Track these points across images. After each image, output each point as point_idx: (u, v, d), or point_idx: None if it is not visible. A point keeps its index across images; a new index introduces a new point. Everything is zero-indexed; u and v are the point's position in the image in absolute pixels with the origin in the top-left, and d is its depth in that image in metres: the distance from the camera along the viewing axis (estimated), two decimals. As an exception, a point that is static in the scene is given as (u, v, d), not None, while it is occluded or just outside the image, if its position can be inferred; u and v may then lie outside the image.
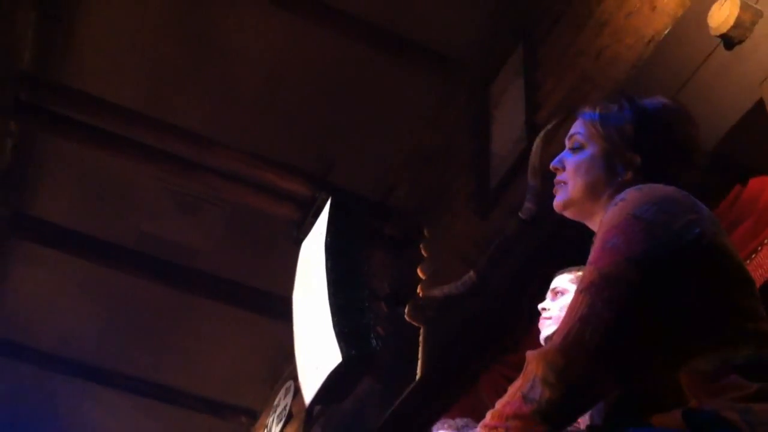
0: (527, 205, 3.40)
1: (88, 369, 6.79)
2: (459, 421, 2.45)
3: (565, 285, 2.01)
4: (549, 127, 3.41)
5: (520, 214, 3.40)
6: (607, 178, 1.28)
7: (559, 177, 1.35)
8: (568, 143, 1.37)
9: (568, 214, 1.36)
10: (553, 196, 1.38)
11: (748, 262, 2.42)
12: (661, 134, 1.28)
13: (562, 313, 1.87)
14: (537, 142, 3.41)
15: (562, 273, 2.06)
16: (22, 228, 5.76)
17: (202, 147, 5.19)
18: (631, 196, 1.19)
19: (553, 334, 1.46)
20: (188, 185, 5.62)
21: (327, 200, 5.23)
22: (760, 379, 1.06)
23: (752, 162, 2.51)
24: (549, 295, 2.03)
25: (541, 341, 1.92)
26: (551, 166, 1.37)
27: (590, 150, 1.32)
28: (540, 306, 2.02)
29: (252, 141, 5.23)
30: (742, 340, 1.11)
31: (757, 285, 2.32)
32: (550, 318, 1.97)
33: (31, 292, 6.30)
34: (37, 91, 4.99)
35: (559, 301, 1.98)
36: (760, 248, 2.41)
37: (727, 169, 2.56)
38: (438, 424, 2.45)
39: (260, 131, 5.27)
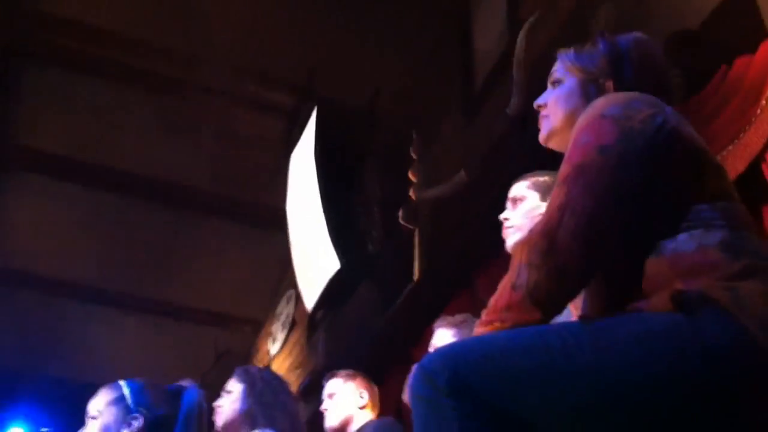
0: (514, 100, 3.38)
1: (91, 291, 6.89)
2: (458, 318, 2.48)
3: (523, 191, 1.99)
4: (532, 19, 3.36)
5: (507, 110, 3.39)
6: (585, 104, 1.34)
7: (543, 113, 1.43)
8: (549, 83, 1.45)
9: (552, 145, 1.42)
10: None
11: (736, 141, 2.43)
12: (632, 62, 1.36)
13: (524, 220, 1.89)
14: (521, 35, 3.37)
15: (519, 180, 2.04)
16: (12, 158, 5.73)
17: (184, 64, 5.11)
18: (597, 102, 1.27)
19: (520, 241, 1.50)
20: (175, 104, 5.56)
21: (313, 110, 5.19)
22: (741, 256, 1.09)
23: (738, 42, 2.48)
24: (508, 204, 2.01)
25: (508, 251, 1.92)
26: (535, 105, 1.45)
27: (568, 83, 1.40)
28: (501, 216, 2.01)
29: (234, 55, 5.14)
30: (716, 221, 1.14)
31: (746, 164, 2.36)
32: (512, 227, 1.96)
33: (28, 221, 6.31)
34: (18, 19, 4.87)
35: (519, 209, 1.96)
36: (747, 127, 2.41)
37: (712, 51, 2.53)
38: (438, 322, 2.49)
39: (241, 45, 5.18)
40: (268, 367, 3.53)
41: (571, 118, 1.36)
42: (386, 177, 5.04)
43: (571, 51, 1.42)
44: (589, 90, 1.36)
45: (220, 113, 5.54)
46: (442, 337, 2.38)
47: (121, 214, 6.22)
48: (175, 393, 2.11)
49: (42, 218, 6.28)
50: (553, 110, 1.41)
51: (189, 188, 6.02)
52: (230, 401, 2.80)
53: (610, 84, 1.34)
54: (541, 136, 1.43)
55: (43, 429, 7.52)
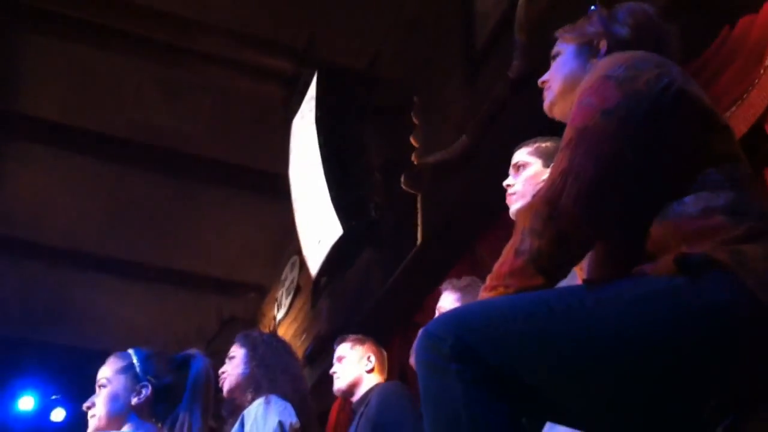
0: (515, 62, 3.36)
1: (95, 260, 6.92)
2: (463, 281, 2.50)
3: (525, 158, 1.98)
4: (534, -20, 3.32)
5: (509, 72, 3.37)
6: (581, 65, 1.37)
7: (546, 86, 1.45)
8: (551, 62, 1.46)
9: (556, 113, 1.43)
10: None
11: (739, 102, 2.42)
12: (625, 22, 1.36)
13: (527, 187, 1.89)
14: (522, -3, 3.34)
15: (522, 146, 2.03)
16: (12, 127, 5.72)
17: (183, 30, 5.07)
18: (601, 62, 1.27)
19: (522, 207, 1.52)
20: (174, 71, 5.53)
21: (313, 75, 5.16)
22: (746, 219, 1.09)
23: (740, 2, 2.45)
24: (511, 171, 2.00)
25: (512, 217, 1.92)
26: (539, 83, 1.47)
27: (565, 52, 1.42)
28: (504, 183, 2.00)
29: (232, 20, 5.10)
30: (722, 184, 1.14)
31: (749, 124, 2.35)
32: (515, 193, 1.95)
33: (29, 190, 6.32)
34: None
35: (522, 175, 1.96)
36: (750, 88, 2.40)
37: (715, 11, 2.51)
38: (444, 285, 2.51)
39: (240, 9, 5.13)
40: (269, 331, 3.56)
41: (568, 82, 1.38)
42: (387, 142, 5.02)
43: (566, 26, 1.45)
44: (584, 53, 1.38)
45: (220, 79, 5.52)
46: (448, 299, 2.41)
47: (123, 182, 6.23)
48: (183, 362, 2.14)
49: (44, 187, 6.29)
50: (553, 79, 1.42)
51: (190, 155, 6.02)
52: (233, 366, 2.84)
53: (603, 43, 1.35)
54: (546, 107, 1.44)
55: (52, 397, 7.62)
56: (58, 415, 7.90)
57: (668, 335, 1.02)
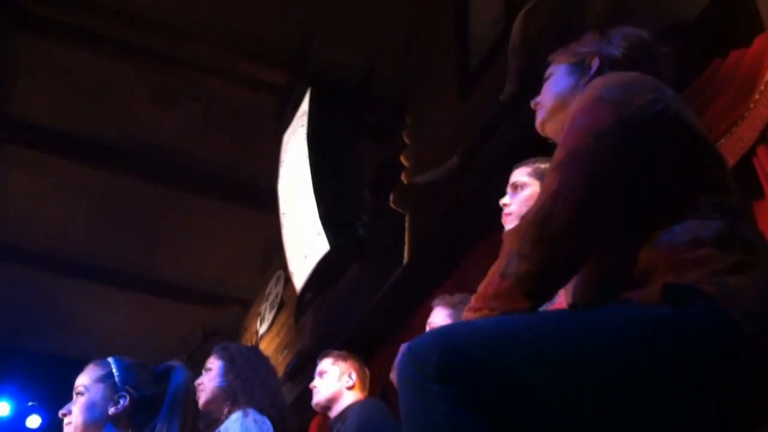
0: (508, 87, 3.38)
1: (81, 267, 6.87)
2: (456, 297, 2.48)
3: (524, 178, 1.98)
4: (529, 5, 3.35)
5: (500, 98, 3.39)
6: (573, 84, 1.37)
7: (539, 106, 1.45)
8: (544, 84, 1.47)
9: (548, 131, 1.43)
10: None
11: (728, 135, 2.43)
12: (618, 43, 1.36)
13: (523, 208, 1.89)
14: (517, 20, 3.36)
15: (521, 166, 2.02)
16: (1, 131, 5.69)
17: (177, 39, 5.08)
18: (596, 82, 1.26)
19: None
20: (166, 79, 5.53)
21: (306, 89, 5.17)
22: (734, 251, 1.09)
23: (732, 35, 2.48)
24: (509, 189, 2.00)
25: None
26: (532, 104, 1.47)
27: (557, 71, 1.42)
28: (501, 202, 2.00)
29: (226, 30, 5.12)
30: (712, 214, 1.13)
31: (737, 158, 2.36)
32: (510, 214, 1.95)
33: (16, 195, 6.28)
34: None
35: (519, 196, 1.96)
36: (740, 121, 2.41)
37: (706, 44, 2.53)
38: (436, 300, 2.50)
39: (235, 19, 5.15)
40: (247, 345, 3.54)
41: (560, 101, 1.38)
42: (378, 160, 5.03)
43: (559, 50, 1.45)
44: (576, 72, 1.37)
45: (212, 89, 5.52)
46: (439, 315, 2.40)
47: (112, 189, 6.20)
48: (163, 373, 2.11)
49: (32, 192, 6.25)
50: (545, 98, 1.42)
51: (180, 165, 6.01)
52: (210, 378, 2.81)
53: (596, 60, 1.35)
54: (537, 125, 1.44)
55: (29, 403, 7.54)
56: (33, 421, 7.81)
57: (652, 364, 1.02)
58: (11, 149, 5.89)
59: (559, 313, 1.15)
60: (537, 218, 1.13)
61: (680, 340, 1.02)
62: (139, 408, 2.03)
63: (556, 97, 1.39)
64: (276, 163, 5.58)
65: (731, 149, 2.37)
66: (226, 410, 2.74)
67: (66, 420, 2.02)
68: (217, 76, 5.29)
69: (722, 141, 2.40)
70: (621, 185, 1.13)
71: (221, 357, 2.87)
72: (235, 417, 2.65)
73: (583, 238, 1.13)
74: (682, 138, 1.18)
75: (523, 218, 1.16)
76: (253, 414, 2.67)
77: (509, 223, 1.94)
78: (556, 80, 1.40)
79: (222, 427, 2.66)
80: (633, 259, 1.13)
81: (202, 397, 2.78)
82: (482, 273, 1.20)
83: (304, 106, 5.14)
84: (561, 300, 1.44)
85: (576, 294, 1.22)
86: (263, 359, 3.02)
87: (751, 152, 2.35)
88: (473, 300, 1.17)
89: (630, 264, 1.13)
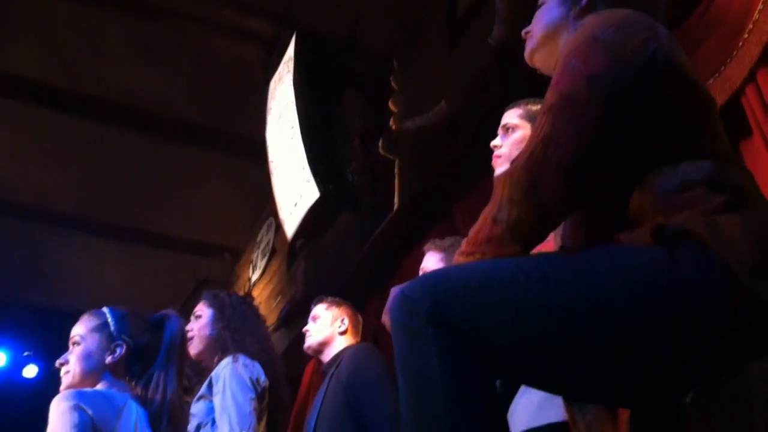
0: (496, 29, 3.35)
1: (70, 219, 6.85)
2: (446, 241, 2.49)
3: (515, 120, 1.95)
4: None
5: (489, 40, 3.36)
6: (563, 14, 1.34)
7: (529, 35, 1.41)
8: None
9: (537, 62, 1.40)
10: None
11: (716, 75, 2.43)
12: None
13: (514, 150, 1.88)
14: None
15: (512, 108, 1.99)
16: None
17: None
18: (589, 20, 1.23)
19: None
20: (150, 30, 5.44)
21: (292, 38, 5.10)
22: (723, 192, 1.09)
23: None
24: (499, 132, 1.97)
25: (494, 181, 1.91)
26: (522, 33, 1.43)
27: (549, 1, 1.38)
28: (492, 144, 1.98)
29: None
30: (702, 155, 1.13)
31: (726, 97, 2.36)
32: (501, 156, 1.93)
33: (5, 148, 6.22)
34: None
35: (510, 138, 1.93)
36: (729, 61, 2.41)
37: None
38: (427, 245, 2.50)
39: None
40: (237, 294, 3.57)
41: (550, 30, 1.35)
42: (366, 107, 5.00)
43: None
44: (567, 1, 1.34)
45: (199, 40, 5.44)
46: (431, 260, 2.41)
47: (99, 141, 6.15)
48: (158, 322, 2.13)
49: (19, 144, 6.19)
50: (535, 28, 1.39)
51: (167, 116, 5.96)
52: (200, 326, 2.83)
53: None
54: (526, 55, 1.41)
55: (25, 353, 7.60)
56: (30, 371, 7.89)
57: (642, 306, 1.02)
58: (0, 103, 5.81)
59: (550, 256, 1.15)
60: (529, 163, 1.13)
61: (670, 281, 1.02)
62: (136, 357, 2.05)
63: (546, 27, 1.36)
64: (263, 112, 5.54)
65: (720, 89, 2.37)
66: (216, 358, 2.77)
67: (63, 369, 2.04)
68: (203, 25, 5.21)
69: (711, 81, 2.40)
70: (614, 129, 1.13)
71: (211, 305, 2.88)
72: (225, 362, 2.68)
73: (576, 184, 1.12)
74: (674, 81, 1.17)
75: (515, 162, 1.16)
76: (242, 359, 2.70)
77: (500, 165, 1.93)
78: (547, 9, 1.37)
79: (213, 374, 2.69)
80: (624, 202, 1.13)
81: (193, 345, 2.81)
82: (473, 218, 1.20)
83: (290, 51, 5.08)
84: (550, 240, 1.45)
85: (567, 237, 1.22)
86: (252, 308, 3.04)
87: (740, 92, 2.35)
88: (464, 244, 1.18)
89: (621, 207, 1.13)
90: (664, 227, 1.06)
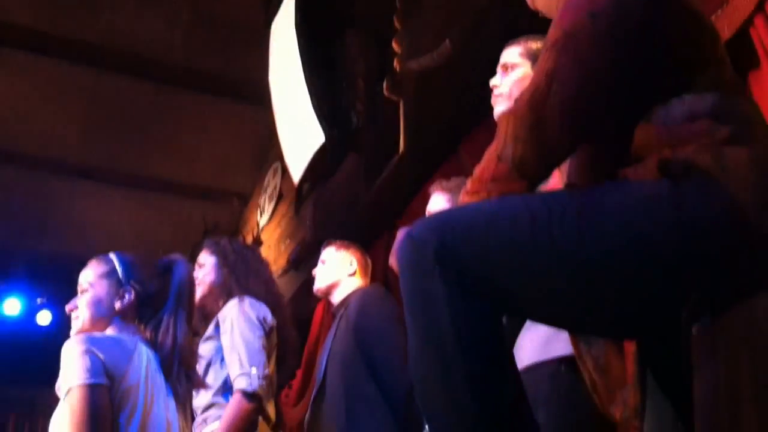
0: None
1: (76, 168, 6.86)
2: (452, 182, 2.48)
3: (515, 59, 1.92)
4: None
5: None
6: None
7: None
8: None
9: (539, 5, 1.38)
10: None
11: (724, 6, 2.38)
12: None
13: (513, 89, 1.86)
14: None
15: (512, 45, 1.96)
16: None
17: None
18: None
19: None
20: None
21: (293, -25, 5.02)
22: (729, 123, 1.08)
23: None
24: (499, 70, 1.94)
25: (496, 119, 1.89)
26: None
27: None
28: (491, 83, 1.96)
29: None
30: (708, 87, 1.12)
31: (734, 28, 2.32)
32: (501, 95, 1.91)
33: (4, 97, 6.20)
34: None
35: (509, 77, 1.90)
36: (735, -8, 2.36)
37: None
38: (433, 186, 2.50)
39: None
40: (238, 240, 3.58)
41: None
42: (369, 48, 4.93)
43: None
44: None
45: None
46: (438, 201, 2.41)
47: (101, 88, 6.11)
48: (166, 268, 2.15)
49: (20, 94, 6.16)
50: None
51: (168, 61, 5.90)
52: (204, 274, 2.87)
53: None
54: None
55: (38, 300, 7.71)
56: (44, 318, 8.01)
57: (647, 240, 1.03)
58: (-2, 51, 5.77)
59: (556, 194, 1.15)
60: (533, 100, 1.12)
61: (676, 214, 1.02)
62: (145, 302, 2.07)
63: None
64: (265, 56, 5.49)
65: (728, 20, 2.33)
66: (221, 303, 2.80)
67: (73, 315, 2.07)
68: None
69: (718, 13, 2.35)
70: (618, 63, 1.12)
71: (213, 252, 2.91)
72: (232, 303, 2.71)
73: (580, 119, 1.12)
74: (678, 13, 1.16)
75: (519, 100, 1.15)
76: (249, 299, 2.73)
77: (499, 104, 1.92)
78: None
79: (219, 315, 2.73)
80: (629, 136, 1.12)
81: (198, 293, 2.84)
82: (478, 157, 1.19)
83: (292, -7, 5.00)
84: (557, 180, 1.45)
85: (572, 174, 1.22)
86: (255, 254, 3.07)
87: (749, 22, 2.31)
88: (469, 183, 1.18)
89: (626, 142, 1.13)
90: (670, 161, 1.05)
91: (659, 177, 1.06)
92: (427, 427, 2.07)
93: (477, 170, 1.17)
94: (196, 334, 2.75)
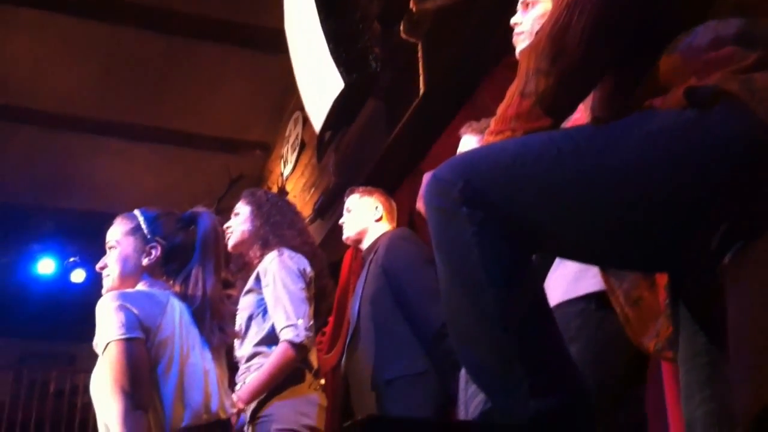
0: None
1: (96, 124, 6.88)
2: (483, 123, 2.45)
3: None
4: None
5: None
6: None
7: None
8: None
9: None
10: None
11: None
12: None
13: (535, 26, 1.82)
14: None
15: None
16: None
17: None
18: None
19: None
20: None
21: None
22: (757, 48, 1.05)
23: None
24: (519, 7, 1.91)
25: (518, 58, 1.86)
26: None
27: None
28: (512, 21, 1.92)
29: None
30: (731, 12, 1.08)
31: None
32: (522, 33, 1.88)
33: (20, 56, 6.20)
34: None
35: (530, 14, 1.87)
36: None
37: None
38: (463, 128, 2.48)
39: None
40: (274, 191, 3.60)
41: None
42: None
43: None
44: None
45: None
46: (470, 142, 2.39)
47: (117, 42, 6.09)
48: (190, 220, 2.16)
49: (36, 52, 6.16)
50: None
51: (182, 12, 5.84)
52: (239, 223, 2.91)
53: None
54: None
55: (71, 259, 7.84)
56: (78, 276, 8.17)
57: (678, 169, 1.01)
58: (9, 10, 5.74)
59: (581, 127, 1.13)
60: (554, 31, 1.10)
61: (705, 142, 1.00)
62: (171, 256, 2.09)
63: None
64: (281, 3, 5.42)
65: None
66: (258, 252, 2.84)
67: (104, 273, 2.10)
68: None
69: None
70: None
71: (249, 202, 2.95)
72: (271, 256, 2.75)
73: (603, 49, 1.10)
74: None
75: (539, 33, 1.13)
76: (287, 252, 2.76)
77: (521, 42, 1.89)
78: None
79: (259, 268, 2.76)
80: (654, 65, 1.10)
81: (232, 240, 2.89)
82: (500, 97, 1.18)
83: (304, -63, 4.91)
84: (580, 114, 1.42)
85: (597, 107, 1.20)
86: (289, 204, 3.11)
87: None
88: (493, 123, 1.16)
89: (651, 71, 1.10)
90: (697, 88, 1.03)
91: (686, 105, 1.03)
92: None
93: (500, 109, 1.16)
94: (228, 285, 2.79)
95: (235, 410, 2.17)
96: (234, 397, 2.46)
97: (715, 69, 1.04)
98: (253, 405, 2.62)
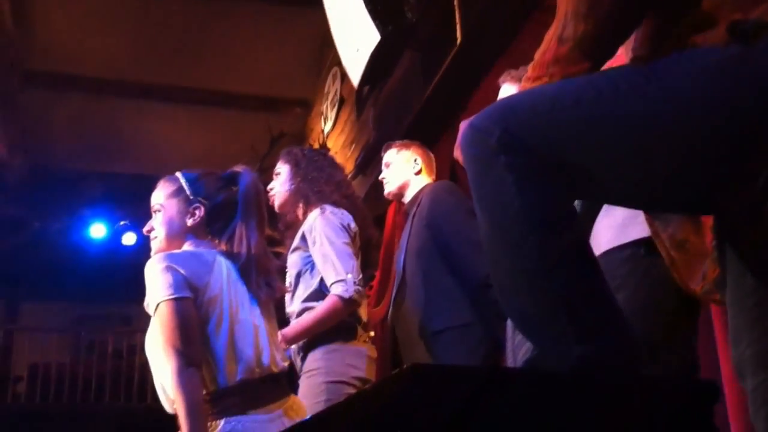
0: None
1: (139, 88, 6.96)
2: (522, 70, 2.41)
3: None
4: None
5: None
6: None
7: None
8: None
9: None
10: None
11: None
12: None
13: None
14: None
15: None
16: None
17: None
18: None
19: None
20: None
21: None
22: None
23: None
24: None
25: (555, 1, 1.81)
26: None
27: None
28: None
29: None
30: None
31: None
32: None
33: (63, 25, 6.27)
34: None
35: None
36: None
37: None
38: (503, 77, 2.45)
39: None
40: (311, 147, 3.59)
41: None
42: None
43: None
44: None
45: None
46: (508, 91, 2.36)
47: (155, 5, 6.12)
48: (230, 179, 2.18)
49: (77, 20, 6.23)
50: None
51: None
52: (280, 183, 2.93)
53: None
54: None
55: (121, 223, 8.02)
56: (129, 239, 8.34)
57: (724, 105, 0.98)
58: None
59: (621, 68, 1.11)
60: None
61: (749, 78, 0.97)
62: (215, 216, 2.12)
63: None
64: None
65: None
66: (301, 210, 2.86)
67: (151, 236, 2.14)
68: None
69: None
70: None
71: (287, 161, 2.97)
72: (314, 214, 2.77)
73: None
74: None
75: None
76: (329, 208, 2.78)
77: None
78: None
79: (304, 226, 2.79)
80: (695, 2, 1.06)
81: (276, 201, 2.92)
82: (537, 43, 1.15)
83: None
84: (620, 54, 1.39)
85: (638, 47, 1.17)
86: (326, 158, 3.10)
87: None
88: (530, 69, 1.14)
89: (692, 9, 1.07)
90: (741, 23, 1.00)
91: (729, 41, 1.00)
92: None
93: (537, 55, 1.13)
94: (274, 242, 2.82)
95: (286, 363, 2.21)
96: (278, 335, 2.50)
97: (756, 3, 1.01)
98: (302, 358, 2.67)
